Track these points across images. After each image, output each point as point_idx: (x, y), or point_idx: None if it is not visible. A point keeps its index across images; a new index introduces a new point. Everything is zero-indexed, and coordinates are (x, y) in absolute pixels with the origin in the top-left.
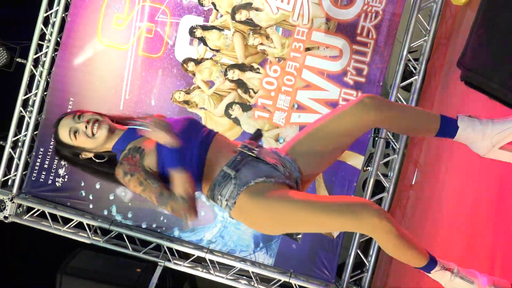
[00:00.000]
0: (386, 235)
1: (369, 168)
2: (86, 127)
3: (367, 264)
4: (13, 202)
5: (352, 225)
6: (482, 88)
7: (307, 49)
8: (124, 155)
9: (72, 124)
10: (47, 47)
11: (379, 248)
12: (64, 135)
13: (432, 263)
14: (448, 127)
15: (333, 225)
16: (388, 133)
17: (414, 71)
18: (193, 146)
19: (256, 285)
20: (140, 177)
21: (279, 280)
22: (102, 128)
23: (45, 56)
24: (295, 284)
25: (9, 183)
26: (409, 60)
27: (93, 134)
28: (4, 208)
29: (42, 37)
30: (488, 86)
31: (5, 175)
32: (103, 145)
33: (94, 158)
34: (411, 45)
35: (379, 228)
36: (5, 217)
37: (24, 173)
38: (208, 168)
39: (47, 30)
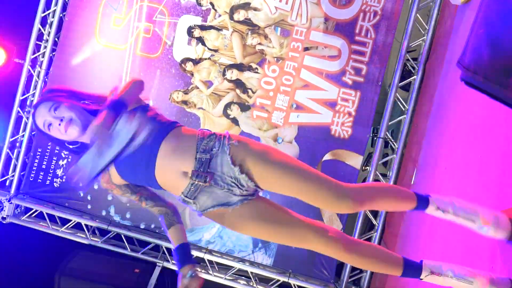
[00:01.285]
0: (338, 257)
1: (368, 167)
2: (59, 124)
3: None
4: (11, 203)
5: (300, 246)
6: (482, 89)
7: (306, 48)
8: None
9: (47, 116)
10: (45, 47)
11: None
12: (40, 123)
13: (409, 270)
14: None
15: (286, 242)
16: (387, 132)
17: (413, 71)
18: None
19: (255, 285)
20: (119, 192)
21: (278, 280)
22: (73, 127)
23: (43, 56)
24: (294, 284)
25: (7, 183)
26: (408, 59)
27: (65, 131)
28: (2, 209)
29: (40, 37)
30: (488, 86)
31: (2, 175)
32: (78, 139)
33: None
34: (410, 44)
35: (328, 253)
36: (3, 218)
37: (22, 173)
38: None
39: (44, 30)
